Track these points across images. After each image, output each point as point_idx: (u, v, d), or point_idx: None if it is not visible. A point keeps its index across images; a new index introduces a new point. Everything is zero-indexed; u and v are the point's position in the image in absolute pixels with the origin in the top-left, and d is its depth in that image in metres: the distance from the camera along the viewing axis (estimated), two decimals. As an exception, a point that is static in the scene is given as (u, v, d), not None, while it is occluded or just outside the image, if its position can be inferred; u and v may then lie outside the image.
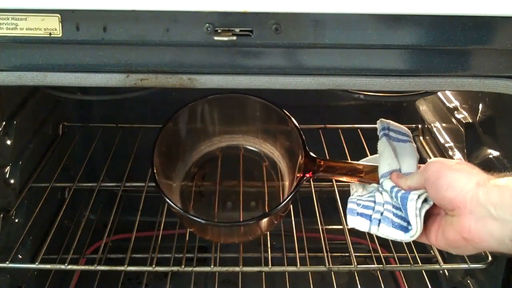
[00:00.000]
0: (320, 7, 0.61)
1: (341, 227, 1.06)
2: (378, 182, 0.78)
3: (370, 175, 0.80)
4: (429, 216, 0.68)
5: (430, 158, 1.22)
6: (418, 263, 1.01)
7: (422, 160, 0.82)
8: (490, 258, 0.94)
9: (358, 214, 0.74)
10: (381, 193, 0.75)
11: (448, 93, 1.17)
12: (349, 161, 0.85)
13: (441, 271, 1.15)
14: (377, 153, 0.82)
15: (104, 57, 0.67)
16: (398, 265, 1.04)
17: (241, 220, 1.01)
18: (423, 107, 1.30)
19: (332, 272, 1.09)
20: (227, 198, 1.07)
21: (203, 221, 0.89)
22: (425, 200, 0.68)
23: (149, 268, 0.97)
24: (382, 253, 1.04)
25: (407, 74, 0.68)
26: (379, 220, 0.71)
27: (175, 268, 0.98)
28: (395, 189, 0.72)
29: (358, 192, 0.81)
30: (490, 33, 0.64)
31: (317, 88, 0.69)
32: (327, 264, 0.99)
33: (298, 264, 0.97)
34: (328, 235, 1.14)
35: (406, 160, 0.78)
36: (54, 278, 1.14)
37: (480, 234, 0.59)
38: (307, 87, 0.69)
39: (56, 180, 1.17)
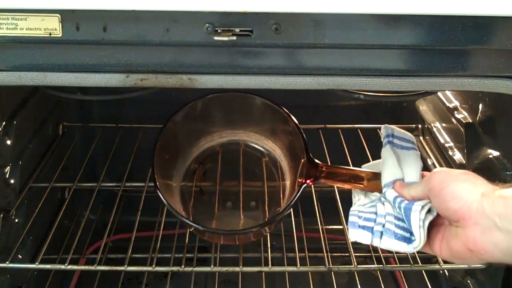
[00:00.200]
0: (320, 7, 0.61)
1: (341, 227, 1.06)
2: (380, 191, 0.77)
3: (373, 182, 0.79)
4: (433, 226, 0.68)
5: (430, 158, 1.22)
6: (418, 263, 1.01)
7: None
8: (490, 258, 0.94)
9: (359, 227, 0.73)
10: (383, 204, 0.75)
11: (448, 93, 1.17)
12: (352, 167, 0.85)
13: (441, 271, 1.15)
14: (380, 157, 0.82)
15: (104, 57, 0.67)
16: (398, 265, 1.04)
17: (241, 219, 1.02)
18: (423, 107, 1.30)
19: (332, 272, 1.09)
20: (228, 196, 1.07)
21: (201, 228, 0.90)
22: (429, 211, 0.67)
23: (149, 268, 0.97)
24: (382, 253, 1.04)
25: (407, 74, 0.68)
26: (381, 232, 0.70)
27: (175, 268, 0.98)
28: (398, 199, 0.71)
29: (360, 201, 0.80)
30: (490, 33, 0.64)
31: (317, 88, 0.69)
32: (327, 264, 0.99)
33: (298, 264, 0.97)
34: (328, 235, 1.14)
35: (410, 169, 0.77)
36: (54, 278, 1.14)
37: (485, 246, 0.58)
38: (307, 87, 0.69)
39: (56, 180, 1.17)
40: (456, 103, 1.13)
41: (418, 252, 0.92)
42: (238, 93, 0.99)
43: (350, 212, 0.76)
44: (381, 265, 1.00)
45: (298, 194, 0.86)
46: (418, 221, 0.66)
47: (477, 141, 1.01)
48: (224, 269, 0.99)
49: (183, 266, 0.97)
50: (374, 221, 0.73)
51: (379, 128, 1.00)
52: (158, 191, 0.88)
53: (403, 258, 1.05)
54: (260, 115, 1.03)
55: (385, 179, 0.76)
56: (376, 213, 0.74)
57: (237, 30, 0.63)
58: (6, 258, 0.96)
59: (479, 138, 1.00)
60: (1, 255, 0.98)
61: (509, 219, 0.56)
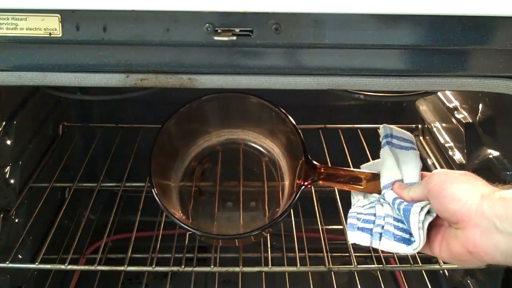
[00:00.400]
0: (320, 7, 0.61)
1: (341, 227, 1.06)
2: (379, 192, 0.77)
3: (372, 183, 0.79)
4: (433, 227, 0.67)
5: (430, 158, 1.22)
6: (418, 263, 1.01)
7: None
8: (490, 258, 0.94)
9: (358, 228, 0.72)
10: (382, 205, 0.74)
11: (448, 93, 1.17)
12: (350, 168, 0.85)
13: (441, 271, 1.15)
14: (379, 157, 0.82)
15: (104, 57, 0.67)
16: (398, 265, 1.04)
17: (241, 219, 1.02)
18: (423, 107, 1.30)
19: (332, 272, 1.09)
20: (227, 196, 1.07)
21: (199, 233, 0.90)
22: (428, 212, 0.67)
23: (149, 268, 0.97)
24: (382, 253, 1.04)
25: (407, 74, 0.68)
26: (380, 234, 0.70)
27: (175, 268, 0.98)
28: (397, 200, 0.71)
29: (359, 202, 0.79)
30: (490, 33, 0.64)
31: (317, 88, 0.69)
32: (327, 264, 0.99)
33: (298, 264, 0.97)
34: (328, 235, 1.14)
35: (409, 169, 0.77)
36: (54, 278, 1.14)
37: (485, 248, 0.58)
38: (307, 87, 0.69)
39: (56, 180, 1.17)
40: (456, 103, 1.13)
41: (418, 252, 0.91)
42: (235, 93, 0.99)
43: (349, 214, 0.76)
44: (381, 265, 1.00)
45: (297, 197, 0.86)
46: (418, 223, 0.66)
47: (477, 141, 1.01)
48: (224, 269, 0.99)
49: (183, 266, 0.97)
50: (373, 223, 0.72)
51: (379, 128, 1.00)
52: (157, 199, 0.88)
53: (403, 258, 1.05)
54: (258, 115, 1.03)
55: (384, 180, 0.76)
56: (375, 215, 0.74)
57: (237, 30, 0.63)
58: (6, 258, 0.96)
59: (479, 138, 1.00)
60: (1, 255, 0.98)
61: (510, 221, 0.56)
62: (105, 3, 0.61)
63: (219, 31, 0.63)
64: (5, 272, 1.02)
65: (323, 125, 1.27)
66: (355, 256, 1.00)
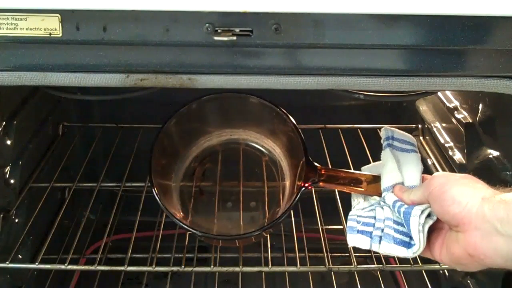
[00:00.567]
0: (320, 7, 0.61)
1: (341, 227, 1.06)
2: (380, 195, 0.77)
3: (372, 186, 0.79)
4: (433, 230, 0.67)
5: (430, 158, 1.22)
6: (418, 263, 1.01)
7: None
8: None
9: (358, 231, 0.72)
10: (382, 208, 0.74)
11: (448, 93, 1.17)
12: (351, 170, 0.85)
13: (441, 271, 1.15)
14: (379, 157, 0.82)
15: (104, 57, 0.67)
16: (398, 265, 1.04)
17: (241, 219, 1.01)
18: (423, 107, 1.30)
19: (332, 272, 1.09)
20: (227, 196, 1.07)
21: (199, 233, 0.90)
22: (429, 215, 0.67)
23: (149, 268, 0.97)
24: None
25: (407, 74, 0.68)
26: (380, 237, 0.70)
27: (175, 268, 0.98)
28: (398, 203, 0.71)
29: (359, 205, 0.79)
30: (490, 33, 0.64)
31: (317, 88, 0.69)
32: (327, 264, 0.99)
33: (298, 264, 0.97)
34: (328, 235, 1.14)
35: (410, 172, 0.76)
36: (54, 278, 1.14)
37: (486, 250, 0.58)
38: (307, 87, 0.69)
39: (56, 180, 1.17)
40: (456, 103, 1.13)
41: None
42: (235, 93, 0.99)
43: (349, 217, 0.76)
44: (381, 265, 1.00)
45: (297, 198, 0.86)
46: (418, 226, 0.66)
47: (477, 141, 1.01)
48: (224, 269, 0.99)
49: (183, 266, 0.97)
50: (373, 226, 0.72)
51: (379, 128, 1.00)
52: (158, 199, 0.88)
53: (403, 258, 1.04)
54: (258, 115, 1.03)
55: (385, 183, 0.76)
56: (375, 218, 0.74)
57: (237, 30, 0.63)
58: (6, 258, 0.96)
59: (479, 138, 1.00)
60: (1, 255, 0.98)
61: (510, 224, 0.55)
62: (105, 3, 0.61)
63: (219, 31, 0.63)
64: (5, 272, 1.02)
65: (323, 125, 1.27)
66: (355, 256, 1.00)
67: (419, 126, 1.32)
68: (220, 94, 0.99)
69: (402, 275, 1.21)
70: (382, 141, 0.84)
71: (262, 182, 1.06)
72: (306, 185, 0.85)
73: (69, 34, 0.64)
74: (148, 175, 0.91)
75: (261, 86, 0.68)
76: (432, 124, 1.24)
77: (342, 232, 1.05)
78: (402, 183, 0.75)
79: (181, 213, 0.98)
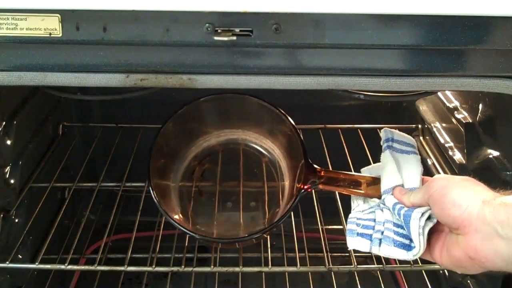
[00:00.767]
0: (320, 7, 0.61)
1: (341, 227, 1.06)
2: (380, 197, 0.76)
3: (372, 187, 0.79)
4: (433, 233, 0.67)
5: (430, 158, 1.22)
6: (418, 263, 1.01)
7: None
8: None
9: (358, 234, 0.72)
10: (382, 210, 0.74)
11: (448, 93, 1.17)
12: (351, 172, 0.85)
13: (441, 271, 1.15)
14: (379, 158, 0.81)
15: (104, 57, 0.67)
16: (398, 265, 1.04)
17: (241, 219, 1.01)
18: (423, 107, 1.30)
19: (332, 272, 1.09)
20: (227, 196, 1.07)
21: (198, 236, 0.90)
22: (429, 218, 0.66)
23: (149, 268, 0.97)
24: (382, 253, 1.04)
25: (407, 74, 0.68)
26: (380, 240, 0.70)
27: (175, 268, 0.98)
28: (398, 206, 0.71)
29: (359, 207, 0.79)
30: (490, 33, 0.64)
31: (317, 88, 0.69)
32: (327, 264, 0.99)
33: (298, 264, 0.97)
34: (328, 235, 1.14)
35: (410, 174, 0.76)
36: (54, 278, 1.14)
37: (486, 253, 0.58)
38: (307, 87, 0.69)
39: (56, 180, 1.17)
40: (456, 103, 1.13)
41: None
42: (234, 94, 0.99)
43: (348, 220, 0.76)
44: (381, 265, 1.00)
45: (296, 200, 0.86)
46: (418, 228, 0.65)
47: (477, 141, 1.01)
48: (224, 269, 0.99)
49: (183, 266, 0.97)
50: (373, 229, 0.72)
51: (379, 128, 1.00)
52: (157, 203, 0.88)
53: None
54: (257, 116, 1.03)
55: (384, 185, 0.76)
56: (374, 220, 0.73)
57: (237, 30, 0.63)
58: (6, 258, 0.96)
59: (479, 138, 1.00)
60: (1, 255, 0.98)
61: (511, 227, 0.55)
62: (105, 3, 0.61)
63: (219, 31, 0.63)
64: (5, 272, 1.02)
65: (323, 125, 1.27)
66: (355, 256, 1.00)
67: (419, 126, 1.32)
68: (219, 94, 0.99)
69: (402, 275, 1.21)
70: (382, 143, 0.83)
71: (262, 182, 1.06)
72: (306, 187, 0.85)
73: (69, 34, 0.64)
74: (147, 178, 0.91)
75: (261, 86, 0.68)
76: (432, 124, 1.24)
77: (342, 232, 1.04)
78: (402, 185, 0.75)
79: (180, 214, 0.98)
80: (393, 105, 1.40)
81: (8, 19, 0.63)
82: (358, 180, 0.81)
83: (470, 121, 1.05)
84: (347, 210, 0.80)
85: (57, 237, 1.12)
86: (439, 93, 1.18)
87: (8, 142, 1.03)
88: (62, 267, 0.96)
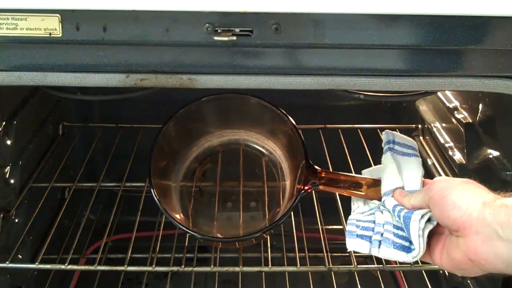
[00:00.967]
0: (320, 7, 0.61)
1: (341, 227, 1.06)
2: (380, 199, 0.76)
3: (372, 189, 0.79)
4: (433, 235, 0.67)
5: (430, 158, 1.22)
6: (418, 263, 1.00)
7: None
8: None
9: (357, 236, 0.72)
10: (382, 212, 0.74)
11: (448, 93, 1.17)
12: (351, 174, 0.85)
13: (441, 271, 1.15)
14: (379, 158, 0.81)
15: (104, 57, 0.67)
16: (398, 265, 1.04)
17: (241, 220, 1.01)
18: (423, 107, 1.30)
19: (332, 272, 1.09)
20: (227, 196, 1.07)
21: (199, 236, 0.90)
22: (429, 220, 0.66)
23: (149, 268, 0.97)
24: (382, 253, 1.04)
25: (407, 74, 0.68)
26: (380, 242, 0.70)
27: (175, 268, 0.98)
28: (398, 208, 0.71)
29: (359, 209, 0.79)
30: (490, 33, 0.64)
31: (317, 88, 0.69)
32: (327, 264, 0.99)
33: (298, 264, 0.97)
34: (328, 235, 1.14)
35: (410, 176, 0.76)
36: (54, 278, 1.14)
37: (487, 255, 0.57)
38: (307, 87, 0.69)
39: (56, 180, 1.17)
40: (456, 103, 1.13)
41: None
42: (235, 94, 0.99)
43: (348, 221, 0.76)
44: (381, 265, 1.00)
45: (296, 201, 0.86)
46: (418, 230, 0.65)
47: (477, 141, 1.01)
48: (224, 269, 0.99)
49: (183, 266, 0.97)
50: (372, 230, 0.72)
51: (379, 128, 1.00)
52: (157, 202, 0.88)
53: (403, 259, 1.04)
54: (258, 116, 1.03)
55: (385, 187, 0.76)
56: (374, 222, 0.73)
57: (237, 30, 0.63)
58: (6, 258, 0.96)
59: (479, 138, 1.00)
60: (1, 255, 0.98)
61: (511, 229, 0.55)
62: (105, 3, 0.61)
63: (219, 31, 0.63)
64: (5, 272, 1.02)
65: (323, 125, 1.27)
66: (355, 256, 1.00)
67: (419, 126, 1.32)
68: (220, 94, 0.99)
69: (402, 275, 1.20)
70: (383, 145, 0.83)
71: (262, 182, 1.06)
72: (306, 188, 0.85)
73: (69, 34, 0.64)
74: (148, 178, 0.91)
75: (261, 86, 0.68)
76: (432, 124, 1.24)
77: (342, 232, 1.04)
78: (403, 188, 0.75)
79: (181, 214, 0.98)
80: (393, 105, 1.40)
81: (8, 19, 0.63)
82: (358, 181, 0.81)
83: (470, 121, 1.05)
84: (347, 210, 0.80)
85: (57, 237, 1.12)
86: (439, 93, 1.18)
87: (8, 142, 1.03)
88: (62, 267, 0.96)
